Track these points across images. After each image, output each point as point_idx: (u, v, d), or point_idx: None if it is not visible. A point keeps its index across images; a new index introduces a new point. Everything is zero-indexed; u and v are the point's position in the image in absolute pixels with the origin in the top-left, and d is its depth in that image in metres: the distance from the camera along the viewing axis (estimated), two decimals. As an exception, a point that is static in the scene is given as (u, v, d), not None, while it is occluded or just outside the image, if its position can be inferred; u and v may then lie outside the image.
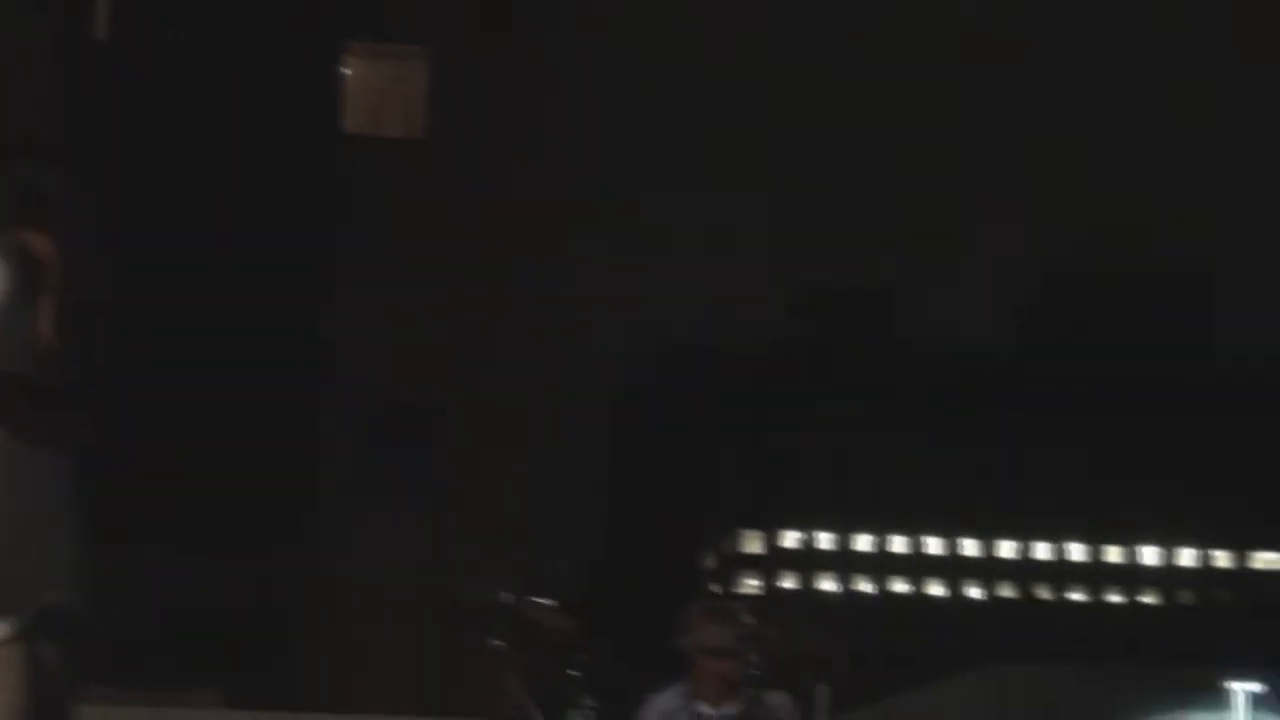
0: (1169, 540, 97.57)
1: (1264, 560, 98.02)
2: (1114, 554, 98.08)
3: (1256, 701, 52.91)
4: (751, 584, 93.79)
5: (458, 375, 26.32)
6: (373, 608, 24.32)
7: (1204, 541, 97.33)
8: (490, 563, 22.40)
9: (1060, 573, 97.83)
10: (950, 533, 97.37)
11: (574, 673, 5.98)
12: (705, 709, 6.77)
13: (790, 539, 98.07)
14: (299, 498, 27.04)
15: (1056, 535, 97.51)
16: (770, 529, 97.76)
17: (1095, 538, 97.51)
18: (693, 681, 6.82)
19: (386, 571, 23.99)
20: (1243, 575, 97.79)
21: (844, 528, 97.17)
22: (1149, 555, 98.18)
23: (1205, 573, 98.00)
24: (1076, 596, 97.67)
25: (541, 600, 6.78)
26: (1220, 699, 53.34)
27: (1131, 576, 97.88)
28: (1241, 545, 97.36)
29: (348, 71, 29.69)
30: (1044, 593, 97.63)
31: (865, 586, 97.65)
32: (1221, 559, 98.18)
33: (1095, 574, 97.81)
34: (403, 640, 21.63)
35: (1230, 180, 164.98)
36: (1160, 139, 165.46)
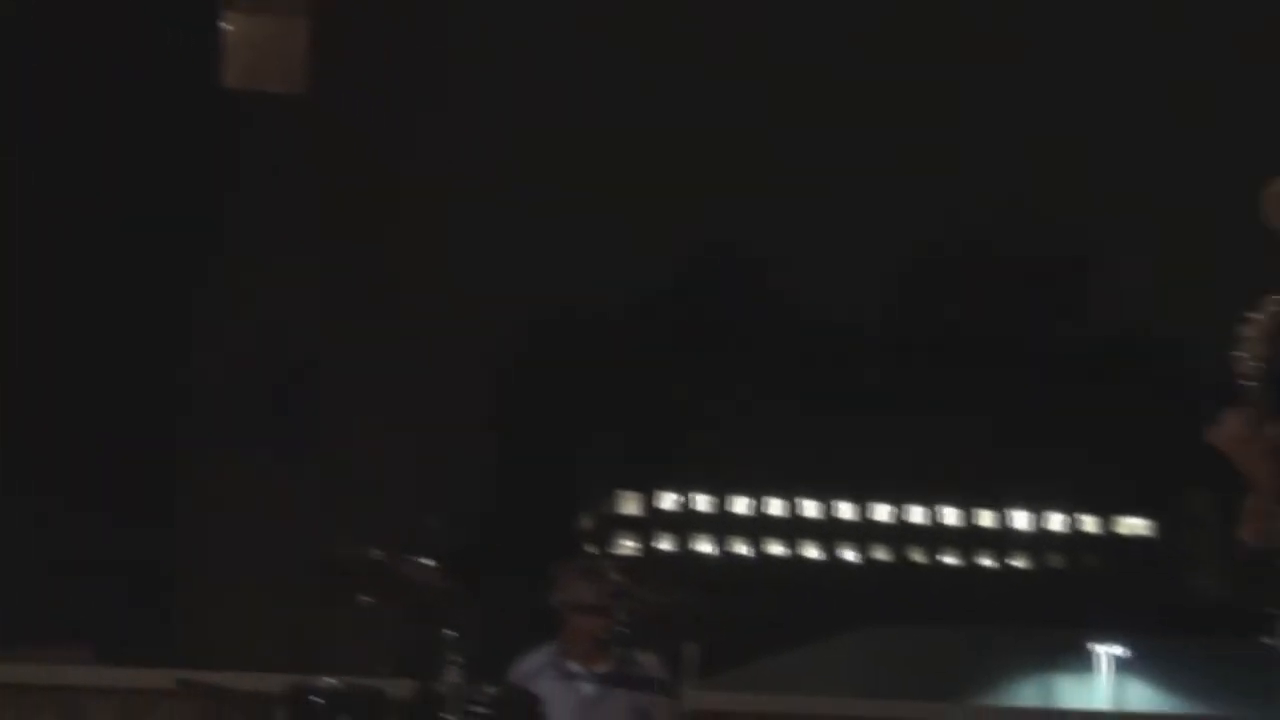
0: (1038, 505, 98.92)
1: (1129, 526, 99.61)
2: (986, 518, 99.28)
3: (1120, 664, 53.86)
4: (628, 545, 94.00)
5: (334, 333, 26.14)
6: (247, 564, 24.18)
7: (1073, 507, 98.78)
8: (364, 520, 22.33)
9: (934, 536, 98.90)
10: (825, 496, 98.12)
11: (449, 631, 5.99)
12: (575, 667, 6.82)
13: (668, 500, 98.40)
14: (174, 454, 26.82)
15: (929, 499, 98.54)
16: (648, 490, 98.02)
17: (967, 502, 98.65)
18: (564, 640, 6.87)
19: (261, 528, 23.82)
20: (1109, 541, 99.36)
21: (721, 490, 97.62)
22: (1019, 520, 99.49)
23: (1073, 538, 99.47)
24: (949, 560, 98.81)
25: (415, 558, 6.80)
26: (1086, 661, 54.34)
27: (1002, 541, 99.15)
28: (1108, 511, 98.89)
29: (228, 27, 29.36)
30: (918, 556, 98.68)
31: (742, 549, 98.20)
32: (1089, 524, 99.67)
33: (968, 538, 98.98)
34: (276, 596, 21.51)
35: (1096, 154, 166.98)
36: (1033, 109, 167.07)
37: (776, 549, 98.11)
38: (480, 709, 5.92)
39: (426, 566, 6.60)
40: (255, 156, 28.28)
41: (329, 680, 6.04)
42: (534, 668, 6.76)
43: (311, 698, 6.01)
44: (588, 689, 6.61)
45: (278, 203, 27.39)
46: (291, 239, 26.50)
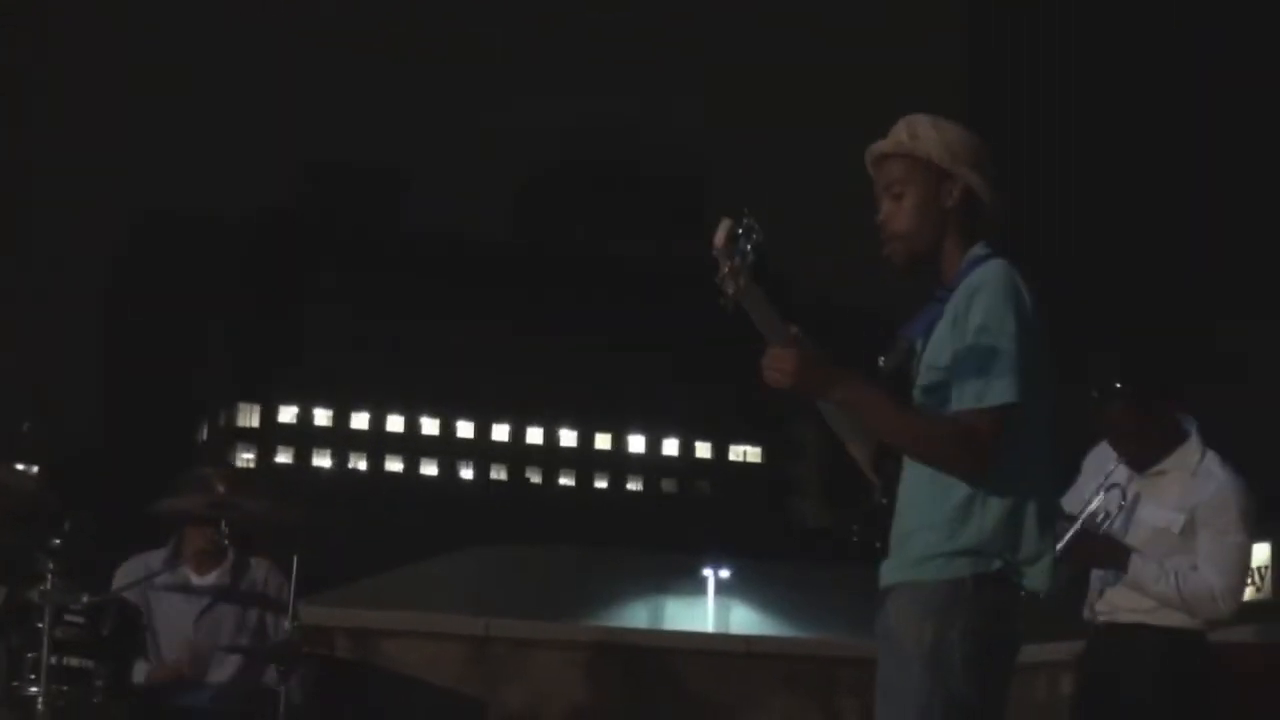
0: (653, 430, 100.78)
1: (738, 452, 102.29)
2: (602, 441, 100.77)
3: (724, 585, 55.30)
4: (245, 457, 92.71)
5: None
6: None
7: (687, 432, 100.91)
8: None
9: (551, 457, 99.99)
10: (446, 414, 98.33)
11: (47, 539, 5.82)
12: (191, 576, 6.74)
13: (286, 414, 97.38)
14: None
15: (549, 421, 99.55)
16: (267, 402, 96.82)
17: (585, 424, 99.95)
18: (178, 550, 6.77)
19: None
20: (718, 466, 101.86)
21: (341, 404, 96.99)
22: (635, 444, 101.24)
23: (685, 462, 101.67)
24: (565, 481, 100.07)
25: (12, 464, 6.59)
26: (694, 582, 55.56)
27: (617, 463, 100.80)
28: (720, 437, 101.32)
29: None
30: (534, 477, 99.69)
31: (360, 464, 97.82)
32: (701, 450, 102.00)
33: (584, 460, 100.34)
34: None
35: (713, 74, 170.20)
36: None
37: (394, 465, 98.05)
38: (76, 617, 5.78)
39: (24, 472, 6.42)
40: None
41: (-83, 586, 5.82)
42: (148, 567, 6.65)
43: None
44: (198, 599, 6.55)
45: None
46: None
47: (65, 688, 5.69)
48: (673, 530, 73.51)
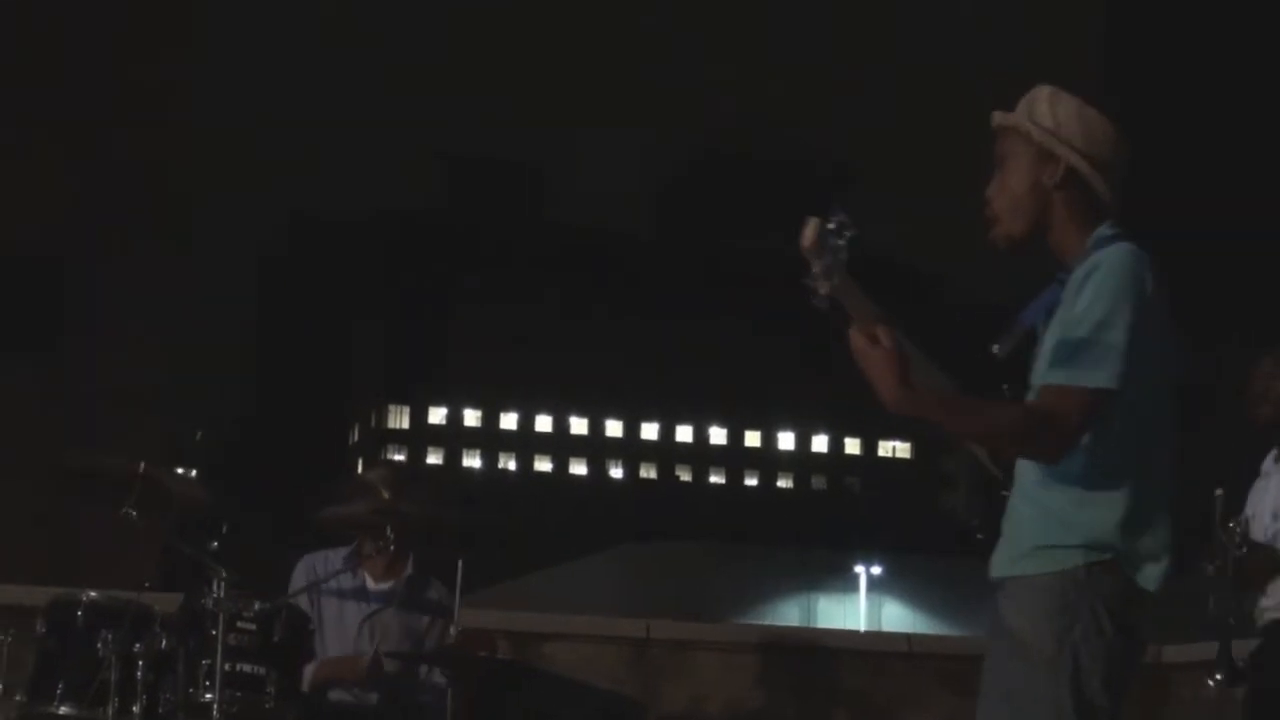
0: (802, 426, 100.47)
1: (887, 448, 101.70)
2: (751, 438, 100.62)
3: (876, 581, 54.97)
4: (396, 459, 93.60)
5: (84, 224, 25.26)
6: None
7: (835, 429, 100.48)
8: (123, 428, 21.81)
9: (700, 455, 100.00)
10: (595, 413, 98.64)
11: (213, 544, 5.93)
12: (368, 581, 6.82)
13: (436, 415, 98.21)
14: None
15: (698, 419, 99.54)
16: (416, 404, 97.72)
17: (733, 422, 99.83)
18: (358, 553, 6.85)
19: (9, 431, 23.10)
20: (868, 462, 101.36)
21: (489, 404, 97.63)
22: (784, 440, 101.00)
23: (834, 459, 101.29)
24: (715, 479, 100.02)
25: (177, 469, 6.71)
26: (846, 579, 55.33)
27: (767, 461, 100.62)
28: (869, 433, 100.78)
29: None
30: (684, 475, 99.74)
31: (510, 464, 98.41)
32: (851, 446, 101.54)
33: (733, 457, 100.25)
34: (24, 504, 20.93)
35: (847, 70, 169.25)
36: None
37: (543, 465, 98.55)
38: (247, 624, 5.88)
39: (189, 479, 6.53)
40: None
41: (90, 593, 5.94)
42: (324, 566, 6.74)
43: (72, 610, 5.90)
44: (368, 604, 6.63)
45: None
46: (37, 128, 25.51)
47: (238, 694, 5.80)
48: (823, 527, 73.25)
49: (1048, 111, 4.07)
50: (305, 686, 6.34)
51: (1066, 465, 3.89)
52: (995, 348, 4.07)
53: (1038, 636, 3.86)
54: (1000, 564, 4.01)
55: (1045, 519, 3.92)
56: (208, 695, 5.72)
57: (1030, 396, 3.98)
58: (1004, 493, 4.10)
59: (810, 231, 3.67)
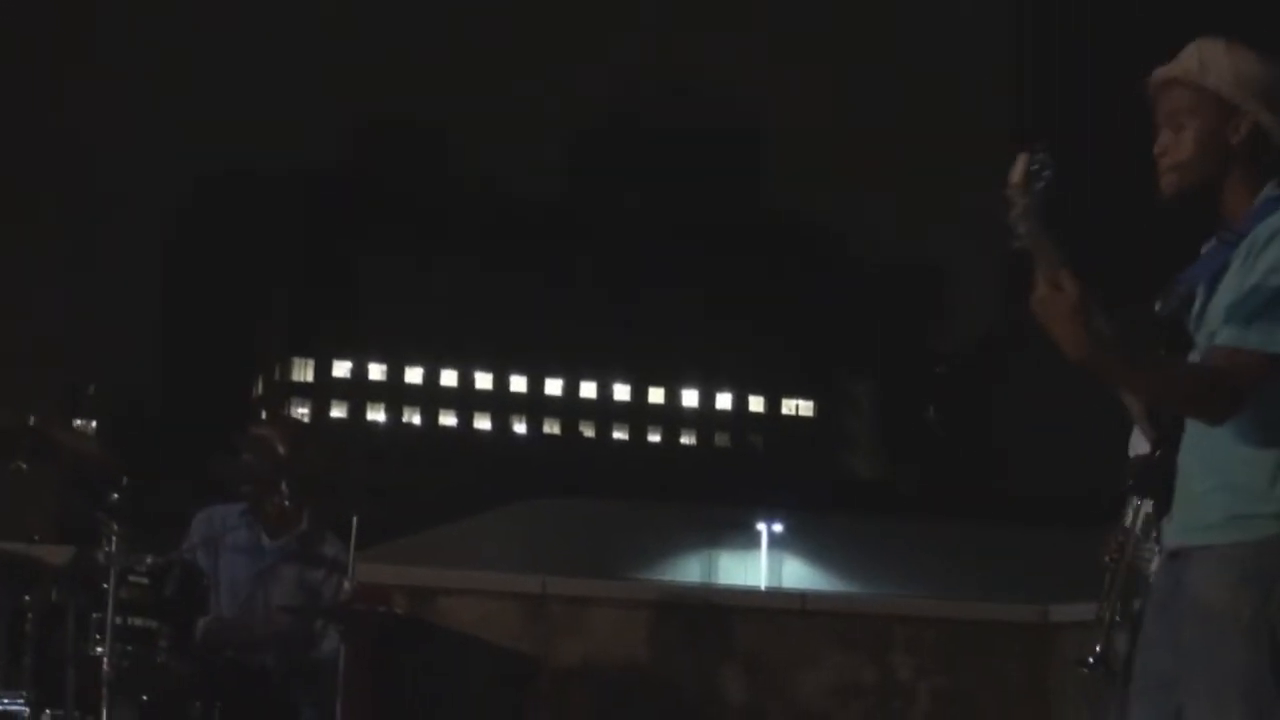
0: (706, 384, 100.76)
1: (790, 406, 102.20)
2: (656, 395, 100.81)
3: (777, 538, 55.30)
4: (299, 412, 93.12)
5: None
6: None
7: (739, 386, 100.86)
8: (16, 383, 21.62)
9: (604, 411, 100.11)
10: (500, 369, 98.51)
11: (112, 497, 5.88)
12: (263, 537, 6.79)
13: (340, 368, 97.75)
14: None
15: (602, 375, 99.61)
16: (321, 357, 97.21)
17: (637, 379, 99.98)
18: (252, 509, 6.81)
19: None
20: (771, 420, 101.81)
21: (394, 359, 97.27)
22: (688, 397, 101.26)
23: (738, 416, 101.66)
24: (619, 435, 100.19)
25: (75, 423, 6.66)
26: (747, 535, 55.56)
27: (671, 418, 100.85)
28: (772, 390, 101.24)
29: None
30: (588, 431, 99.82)
31: (414, 419, 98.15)
32: (755, 404, 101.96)
33: (637, 414, 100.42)
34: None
35: (777, 31, 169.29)
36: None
37: (448, 419, 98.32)
38: (140, 578, 5.85)
39: (84, 433, 6.47)
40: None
41: (-18, 546, 5.90)
42: (221, 522, 6.70)
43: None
44: (263, 558, 6.60)
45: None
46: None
47: (130, 648, 5.78)
48: (726, 484, 73.52)
49: (1229, 65, 3.92)
50: (198, 641, 6.32)
51: (1251, 431, 3.79)
52: (1157, 305, 3.97)
53: (1234, 604, 3.74)
54: (1182, 533, 3.91)
55: (1235, 489, 3.81)
56: (98, 649, 5.70)
57: (1193, 356, 3.89)
58: (1156, 452, 4.01)
59: (1019, 169, 3.52)
